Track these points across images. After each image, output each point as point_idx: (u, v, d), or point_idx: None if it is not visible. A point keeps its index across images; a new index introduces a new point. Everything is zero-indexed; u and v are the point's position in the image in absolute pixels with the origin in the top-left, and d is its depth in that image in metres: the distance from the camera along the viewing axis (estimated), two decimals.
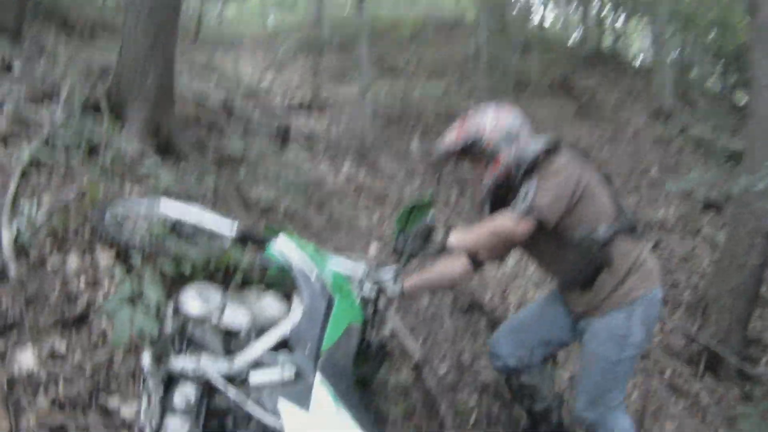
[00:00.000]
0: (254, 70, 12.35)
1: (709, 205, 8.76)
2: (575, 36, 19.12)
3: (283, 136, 7.53)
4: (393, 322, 3.62)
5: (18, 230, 2.77)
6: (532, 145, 2.68)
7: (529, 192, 2.56)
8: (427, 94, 11.02)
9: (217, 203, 4.00)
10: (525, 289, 5.21)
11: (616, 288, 2.65)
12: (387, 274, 2.70)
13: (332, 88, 11.33)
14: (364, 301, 2.63)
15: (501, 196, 2.83)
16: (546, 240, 2.67)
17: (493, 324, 4.28)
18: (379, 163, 8.14)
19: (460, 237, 2.65)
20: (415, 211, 2.75)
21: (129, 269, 2.65)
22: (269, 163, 5.77)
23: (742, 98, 15.40)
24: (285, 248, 2.54)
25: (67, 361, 2.37)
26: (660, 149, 11.20)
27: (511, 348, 2.93)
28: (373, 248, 4.84)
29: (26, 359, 2.32)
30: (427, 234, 2.66)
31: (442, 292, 4.41)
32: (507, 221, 2.57)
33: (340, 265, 2.65)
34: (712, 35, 15.63)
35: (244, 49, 13.92)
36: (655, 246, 7.51)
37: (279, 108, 9.62)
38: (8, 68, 4.52)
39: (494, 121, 2.72)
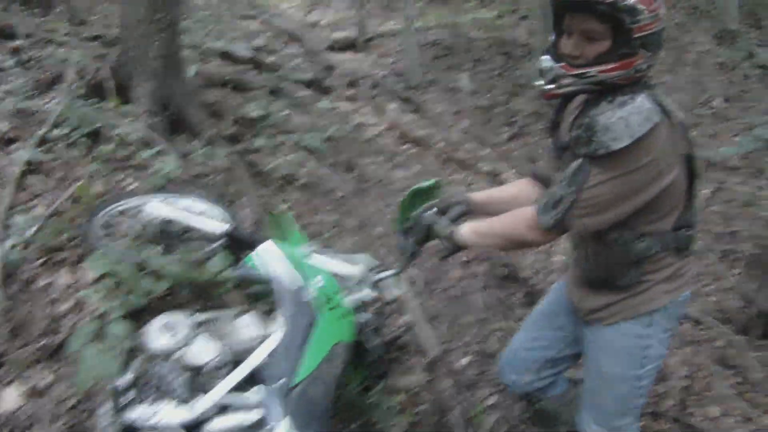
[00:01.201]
0: (298, 6, 11.99)
1: None
2: None
3: (321, 84, 7.25)
4: (411, 313, 3.37)
5: (9, 248, 2.68)
6: (640, 99, 1.76)
7: (573, 186, 1.82)
8: (478, 23, 10.40)
9: (229, 182, 3.81)
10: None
11: (641, 293, 2.05)
12: (387, 275, 2.38)
13: (379, 22, 10.85)
14: (364, 305, 2.35)
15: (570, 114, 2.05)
16: None
17: (531, 295, 3.98)
18: (425, 105, 7.77)
19: (472, 232, 2.09)
20: (421, 197, 2.38)
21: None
22: (298, 120, 5.52)
23: None
24: (268, 256, 2.32)
25: (50, 396, 2.27)
26: (724, 77, 10.15)
27: (516, 374, 2.51)
28: None
29: (10, 397, 2.24)
30: (426, 233, 2.23)
31: (476, 263, 4.14)
32: (524, 229, 1.96)
33: (335, 265, 2.41)
34: None
35: None
36: (716, 190, 6.91)
37: (322, 49, 9.28)
38: (15, 52, 4.37)
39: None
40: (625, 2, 1.71)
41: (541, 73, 1.89)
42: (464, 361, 3.34)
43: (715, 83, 9.73)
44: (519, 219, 1.98)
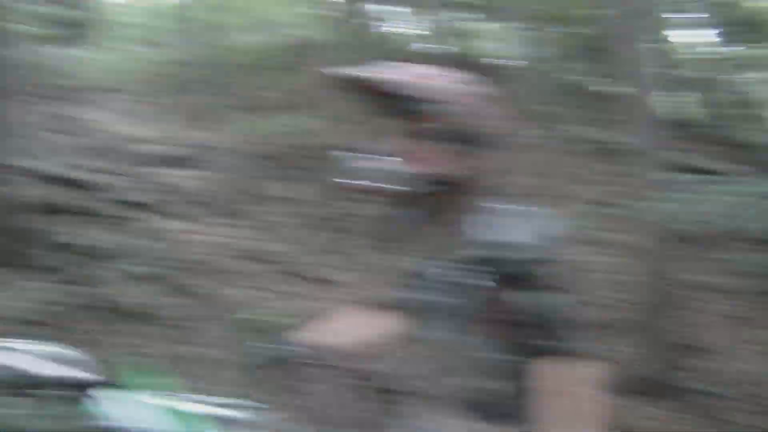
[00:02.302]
0: (119, 123, 11.70)
1: None
2: None
3: (149, 204, 7.13)
4: None
5: None
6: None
7: None
8: (290, 129, 10.37)
9: (67, 318, 3.60)
10: None
11: None
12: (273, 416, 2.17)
13: (204, 133, 10.85)
14: None
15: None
16: None
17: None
18: (256, 216, 7.83)
19: None
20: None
21: None
22: (129, 244, 5.37)
23: None
24: (144, 411, 2.02)
25: None
26: None
27: None
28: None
29: None
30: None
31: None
32: None
33: (217, 410, 2.15)
34: None
35: (109, 96, 13.09)
36: None
37: (146, 165, 9.11)
38: None
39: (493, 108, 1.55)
40: (433, 104, 1.48)
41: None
42: None
43: None
44: None
